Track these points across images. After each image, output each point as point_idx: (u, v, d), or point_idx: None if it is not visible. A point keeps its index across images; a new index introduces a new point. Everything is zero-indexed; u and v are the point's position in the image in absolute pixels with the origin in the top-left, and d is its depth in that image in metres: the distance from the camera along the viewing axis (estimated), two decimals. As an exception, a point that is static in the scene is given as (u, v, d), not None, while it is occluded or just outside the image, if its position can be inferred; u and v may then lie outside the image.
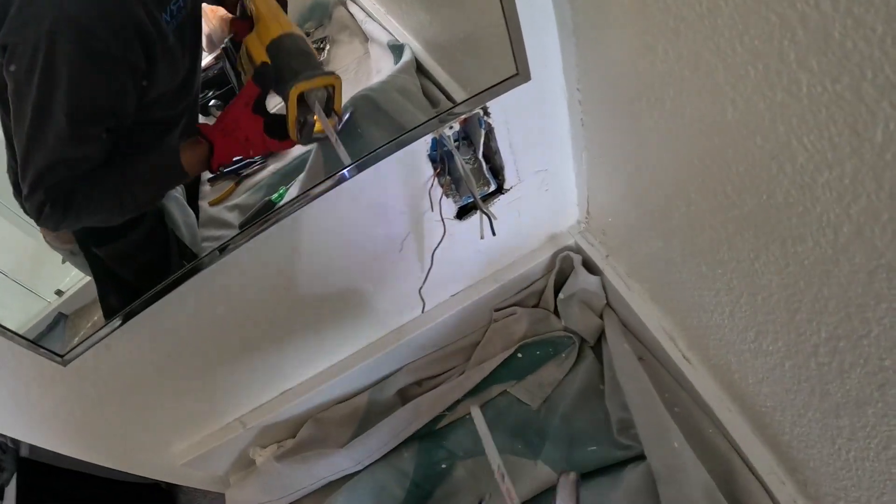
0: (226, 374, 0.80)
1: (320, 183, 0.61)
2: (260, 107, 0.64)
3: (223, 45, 0.76)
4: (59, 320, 0.70)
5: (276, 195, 0.81)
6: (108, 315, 0.69)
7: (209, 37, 0.77)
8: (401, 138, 0.58)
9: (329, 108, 0.67)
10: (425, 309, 0.83)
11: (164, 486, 1.56)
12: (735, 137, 0.46)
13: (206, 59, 0.78)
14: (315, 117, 0.66)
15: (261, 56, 0.66)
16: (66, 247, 0.68)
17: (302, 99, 0.65)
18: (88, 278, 0.70)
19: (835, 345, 0.48)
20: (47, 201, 0.56)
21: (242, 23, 0.69)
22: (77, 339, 0.64)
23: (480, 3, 0.57)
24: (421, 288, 0.73)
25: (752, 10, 0.38)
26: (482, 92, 0.55)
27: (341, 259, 0.74)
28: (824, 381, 0.52)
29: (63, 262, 0.69)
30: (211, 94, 0.82)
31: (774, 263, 0.50)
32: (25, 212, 0.58)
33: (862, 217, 0.39)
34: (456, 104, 0.54)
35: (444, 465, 0.84)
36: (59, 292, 0.72)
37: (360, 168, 0.60)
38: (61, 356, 0.62)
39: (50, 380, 0.67)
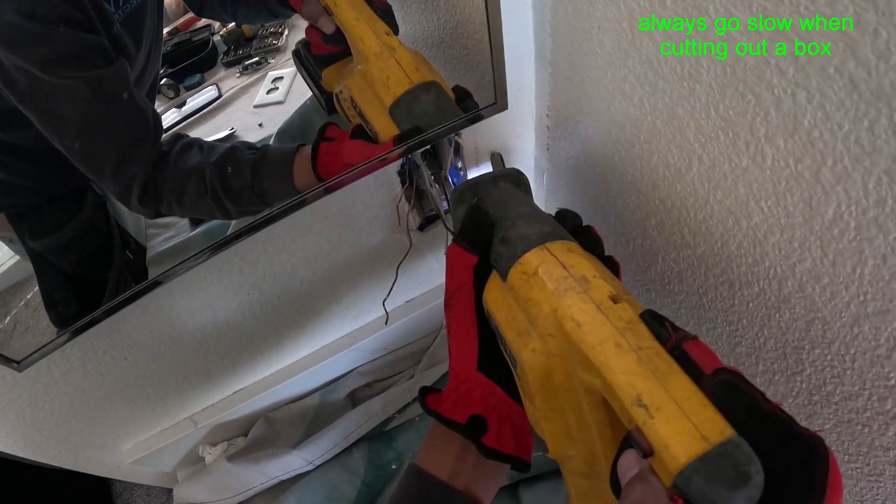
0: (179, 375, 0.79)
1: (288, 204, 0.60)
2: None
3: (293, 50, 0.66)
4: (-12, 297, 0.65)
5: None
6: (51, 307, 0.64)
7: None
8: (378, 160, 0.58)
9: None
10: (388, 321, 0.84)
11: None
12: (697, 189, 0.50)
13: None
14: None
15: (381, 119, 0.56)
16: (4, 234, 0.63)
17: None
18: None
19: (770, 377, 0.54)
20: (130, 196, 0.55)
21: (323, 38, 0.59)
22: (34, 346, 0.60)
23: (466, 30, 0.57)
24: (385, 300, 0.74)
25: (730, 84, 0.41)
26: (459, 119, 0.56)
27: (305, 271, 0.73)
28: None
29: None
30: (163, 71, 0.77)
31: (721, 302, 0.55)
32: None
33: (805, 276, 0.44)
34: (430, 132, 0.55)
35: (393, 466, 0.86)
36: (-11, 268, 0.65)
37: (336, 187, 0.59)
38: (17, 362, 0.58)
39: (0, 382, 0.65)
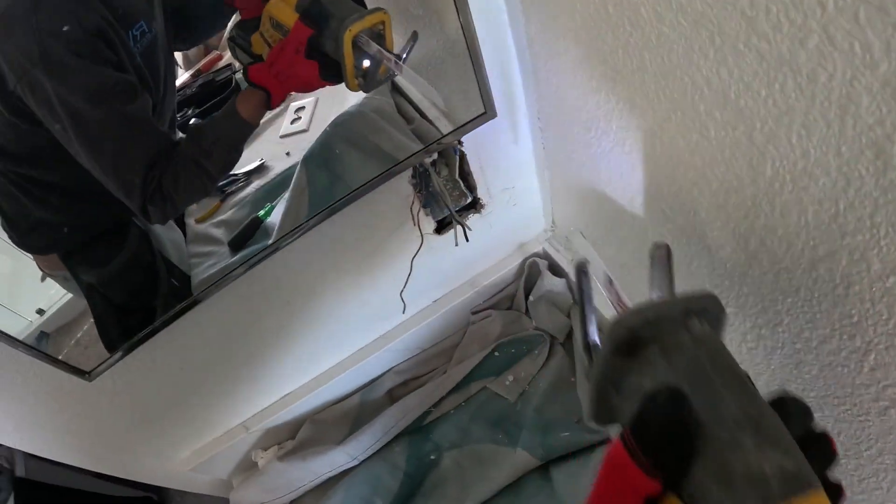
0: (231, 382, 0.87)
1: (313, 217, 0.68)
2: (313, 51, 0.62)
3: (229, 35, 0.71)
4: (41, 339, 0.70)
5: (262, 212, 0.84)
6: (105, 336, 0.71)
7: (185, 55, 0.80)
8: (392, 170, 0.66)
9: (383, 46, 0.63)
10: (406, 310, 0.92)
11: (156, 498, 1.60)
12: (665, 167, 0.56)
13: (183, 76, 0.79)
14: (369, 62, 0.63)
15: (290, 16, 0.63)
16: (58, 273, 0.71)
17: (355, 44, 0.61)
18: (70, 296, 0.71)
19: (758, 332, 0.58)
20: (146, 202, 0.62)
21: None
22: (99, 359, 0.69)
23: (454, 51, 0.65)
24: (402, 291, 0.81)
25: (669, 72, 0.47)
26: (455, 130, 0.64)
27: (333, 275, 0.82)
28: (754, 363, 0.62)
29: (43, 279, 0.71)
30: (190, 112, 0.82)
31: (705, 266, 0.60)
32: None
33: (763, 231, 0.49)
34: (430, 143, 0.63)
35: (432, 457, 0.92)
36: (40, 311, 0.72)
37: (350, 201, 0.68)
38: (88, 373, 0.67)
39: (68, 395, 0.73)
